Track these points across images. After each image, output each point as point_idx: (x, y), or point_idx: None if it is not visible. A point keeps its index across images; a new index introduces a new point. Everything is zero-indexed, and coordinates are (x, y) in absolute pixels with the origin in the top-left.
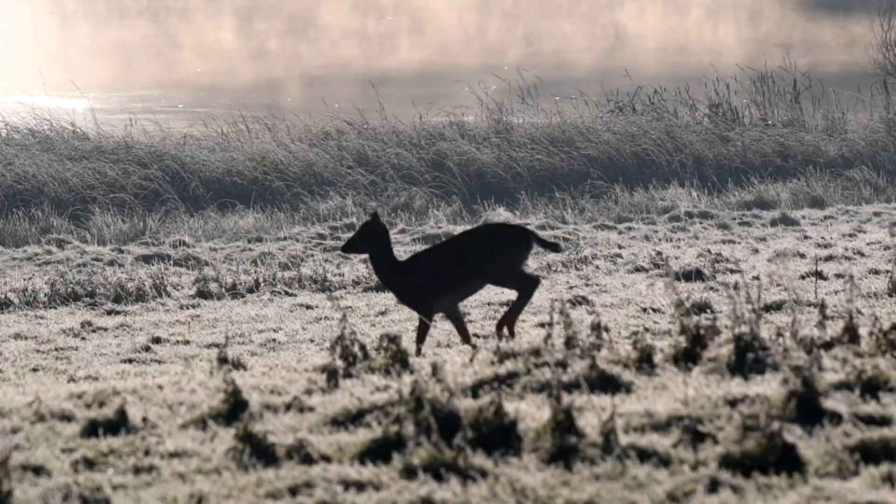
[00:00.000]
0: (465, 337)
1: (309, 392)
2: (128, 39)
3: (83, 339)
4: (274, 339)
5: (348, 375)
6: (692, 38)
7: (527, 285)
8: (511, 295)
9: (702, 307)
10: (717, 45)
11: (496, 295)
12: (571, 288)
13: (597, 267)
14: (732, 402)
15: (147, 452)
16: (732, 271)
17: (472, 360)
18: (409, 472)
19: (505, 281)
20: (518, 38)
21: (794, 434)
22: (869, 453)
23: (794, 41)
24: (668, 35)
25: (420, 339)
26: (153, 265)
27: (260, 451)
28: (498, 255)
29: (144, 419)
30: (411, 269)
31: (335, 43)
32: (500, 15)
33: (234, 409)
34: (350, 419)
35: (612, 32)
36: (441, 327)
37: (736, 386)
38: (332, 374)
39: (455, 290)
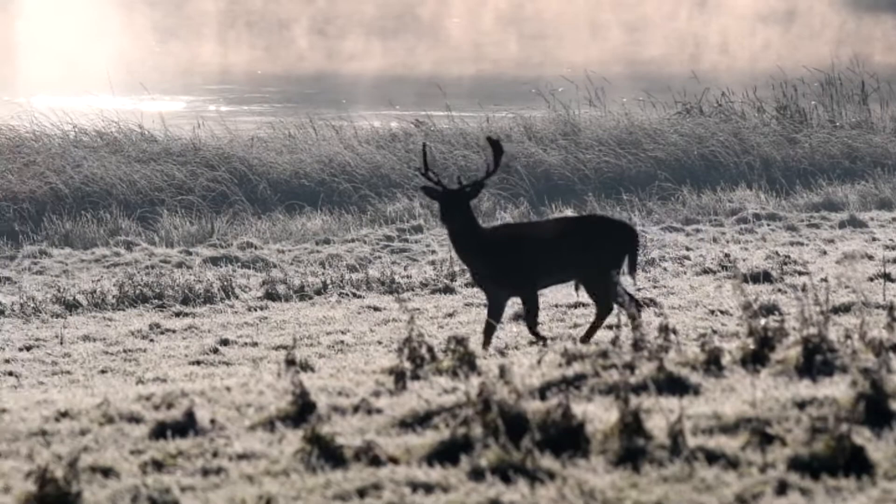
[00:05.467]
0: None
1: (377, 394)
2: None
3: (151, 340)
4: (342, 341)
5: (416, 377)
6: (758, 40)
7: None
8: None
9: (770, 309)
10: (783, 47)
11: (564, 297)
12: (639, 290)
13: (664, 269)
14: (801, 405)
15: (215, 454)
16: (800, 273)
17: (539, 361)
18: (476, 474)
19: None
20: (586, 41)
21: (862, 436)
22: None
23: (861, 43)
24: (736, 38)
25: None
26: (221, 267)
27: (328, 453)
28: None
29: (212, 421)
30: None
31: (401, 44)
32: (567, 16)
33: (301, 410)
34: (418, 421)
35: (678, 36)
36: (509, 329)
37: (804, 388)
38: (399, 376)
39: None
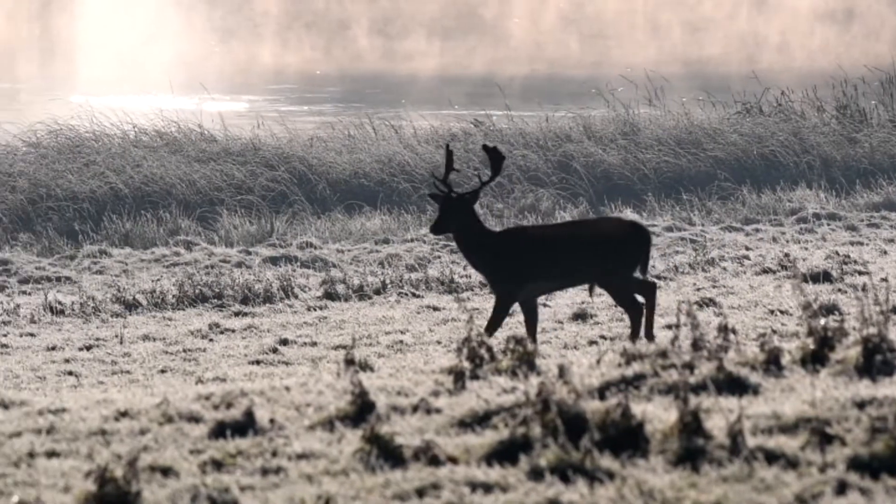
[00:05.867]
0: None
1: (436, 394)
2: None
3: (211, 340)
4: (401, 341)
5: (475, 377)
6: (817, 39)
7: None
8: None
9: (829, 309)
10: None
11: None
12: (698, 290)
13: (724, 269)
14: (860, 404)
15: (274, 454)
16: (860, 273)
17: (598, 361)
18: (535, 474)
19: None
20: (645, 40)
21: None
22: None
23: None
24: (795, 37)
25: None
26: (280, 267)
27: (387, 453)
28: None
29: (272, 420)
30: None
31: (461, 44)
32: (626, 16)
33: (361, 410)
34: (477, 421)
35: (737, 35)
36: (568, 329)
37: (864, 388)
38: (458, 376)
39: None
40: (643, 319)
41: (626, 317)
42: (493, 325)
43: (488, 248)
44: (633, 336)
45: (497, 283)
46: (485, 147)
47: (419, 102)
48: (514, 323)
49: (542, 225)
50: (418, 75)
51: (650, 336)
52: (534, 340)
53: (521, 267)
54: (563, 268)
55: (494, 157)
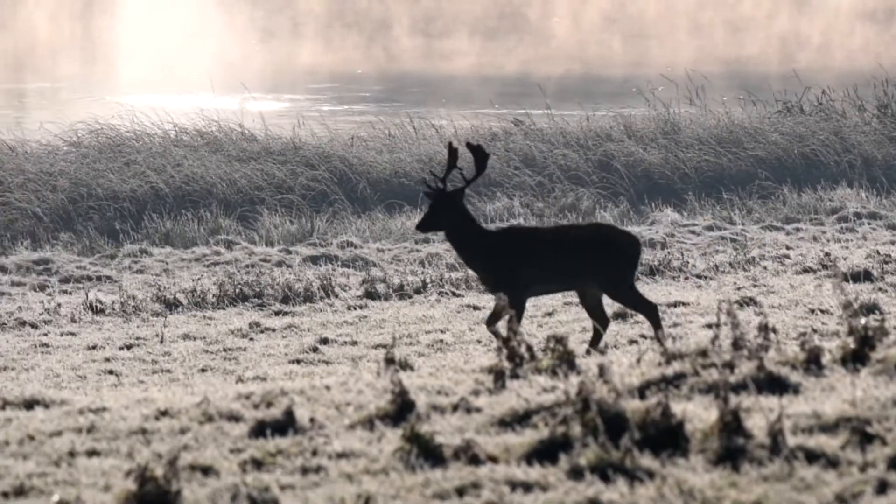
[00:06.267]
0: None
1: (476, 393)
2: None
3: (251, 339)
4: (441, 340)
5: (515, 376)
6: (857, 39)
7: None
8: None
9: (870, 308)
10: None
11: (664, 295)
12: (739, 289)
13: (764, 268)
14: None
15: (314, 453)
16: None
17: (639, 360)
18: (575, 473)
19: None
20: (685, 40)
21: None
22: None
23: None
24: (835, 37)
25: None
26: (321, 266)
27: (427, 452)
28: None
29: (312, 420)
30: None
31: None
32: (666, 15)
33: (401, 409)
34: (517, 420)
35: (777, 35)
36: (609, 328)
37: None
38: (499, 375)
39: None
40: (658, 322)
41: (667, 315)
42: (517, 319)
43: (486, 247)
44: (656, 330)
45: (503, 285)
46: (468, 145)
47: (460, 102)
48: (554, 322)
49: (537, 227)
50: (459, 75)
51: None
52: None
53: (520, 266)
54: (557, 269)
55: (478, 156)
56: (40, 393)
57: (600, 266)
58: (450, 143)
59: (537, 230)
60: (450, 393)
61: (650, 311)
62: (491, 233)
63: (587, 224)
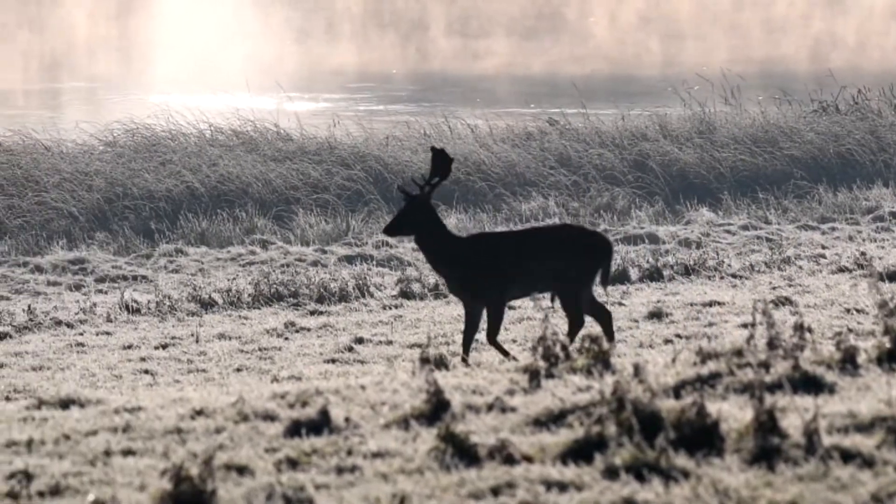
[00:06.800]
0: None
1: (511, 392)
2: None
3: (286, 339)
4: (476, 340)
5: (550, 376)
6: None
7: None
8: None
9: None
10: None
11: (699, 295)
12: (774, 288)
13: (800, 267)
14: None
15: (349, 452)
16: None
17: (674, 360)
18: (610, 473)
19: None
20: (720, 39)
21: None
22: None
23: None
24: (870, 36)
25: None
26: (356, 266)
27: (462, 452)
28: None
29: (347, 419)
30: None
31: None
32: (701, 15)
33: (436, 409)
34: (552, 419)
35: (812, 34)
36: (644, 328)
37: None
38: (533, 375)
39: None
40: (611, 322)
41: (703, 315)
42: (493, 329)
43: (455, 254)
44: (609, 339)
45: (480, 294)
46: (433, 148)
47: (495, 101)
48: (589, 322)
49: (506, 231)
50: (494, 75)
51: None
52: (467, 351)
53: (489, 274)
54: (528, 273)
55: (441, 159)
56: (76, 392)
57: (570, 267)
58: (432, 147)
59: (506, 235)
60: (485, 392)
61: (605, 318)
62: (461, 239)
63: (557, 225)
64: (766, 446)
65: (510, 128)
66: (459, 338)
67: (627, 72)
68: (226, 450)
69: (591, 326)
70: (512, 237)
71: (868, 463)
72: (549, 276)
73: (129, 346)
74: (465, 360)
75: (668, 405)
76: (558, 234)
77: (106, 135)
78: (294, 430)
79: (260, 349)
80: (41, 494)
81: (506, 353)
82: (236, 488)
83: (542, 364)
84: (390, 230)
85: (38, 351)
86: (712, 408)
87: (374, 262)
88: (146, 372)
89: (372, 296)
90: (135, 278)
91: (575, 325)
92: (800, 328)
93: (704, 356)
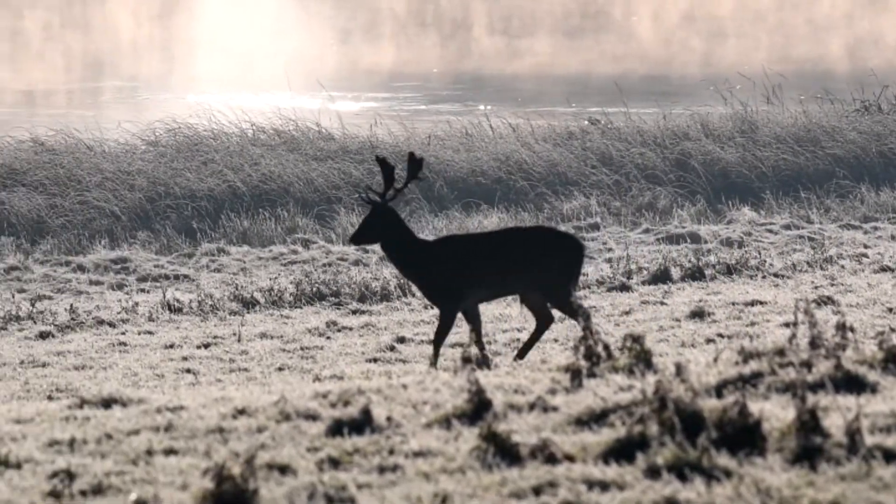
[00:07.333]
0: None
1: (553, 392)
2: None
3: (328, 338)
4: (517, 339)
5: (592, 375)
6: None
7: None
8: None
9: None
10: None
11: (741, 294)
12: (816, 288)
13: (842, 267)
14: None
15: (391, 452)
16: None
17: (716, 359)
18: (652, 472)
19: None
20: (762, 38)
21: None
22: None
23: None
24: None
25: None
26: None
27: (504, 451)
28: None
29: (389, 418)
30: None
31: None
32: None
33: (477, 408)
34: (594, 419)
35: (854, 33)
36: (686, 327)
37: None
38: (575, 374)
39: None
40: (539, 338)
41: (745, 314)
42: (440, 336)
43: (424, 258)
44: (526, 349)
45: (438, 297)
46: (411, 154)
47: (536, 100)
48: (631, 321)
49: (475, 233)
50: (535, 74)
51: (521, 355)
52: (482, 347)
53: (458, 276)
54: (498, 275)
55: (415, 165)
56: (118, 391)
57: (541, 270)
58: (410, 154)
59: (474, 237)
60: (526, 392)
61: (543, 325)
62: (428, 243)
63: (529, 227)
64: (809, 446)
65: (552, 127)
66: (501, 337)
67: (666, 71)
68: (268, 449)
69: (634, 326)
70: (481, 239)
71: None
72: (520, 279)
73: (171, 346)
74: (433, 363)
75: (710, 405)
76: (529, 236)
77: (148, 134)
78: (336, 429)
79: (302, 348)
80: (83, 493)
81: (436, 359)
82: (278, 488)
83: (583, 363)
84: (355, 239)
85: (80, 350)
86: (754, 407)
87: None
88: (188, 371)
89: (414, 295)
90: (177, 277)
91: (581, 319)
92: (842, 327)
93: (746, 356)
